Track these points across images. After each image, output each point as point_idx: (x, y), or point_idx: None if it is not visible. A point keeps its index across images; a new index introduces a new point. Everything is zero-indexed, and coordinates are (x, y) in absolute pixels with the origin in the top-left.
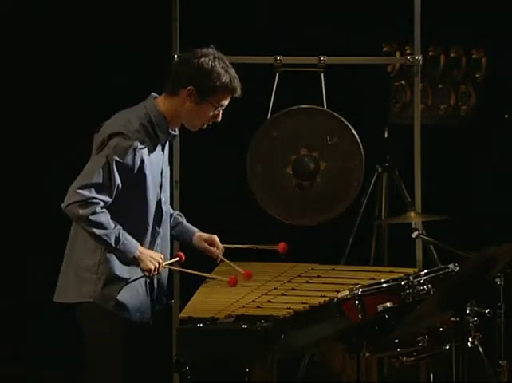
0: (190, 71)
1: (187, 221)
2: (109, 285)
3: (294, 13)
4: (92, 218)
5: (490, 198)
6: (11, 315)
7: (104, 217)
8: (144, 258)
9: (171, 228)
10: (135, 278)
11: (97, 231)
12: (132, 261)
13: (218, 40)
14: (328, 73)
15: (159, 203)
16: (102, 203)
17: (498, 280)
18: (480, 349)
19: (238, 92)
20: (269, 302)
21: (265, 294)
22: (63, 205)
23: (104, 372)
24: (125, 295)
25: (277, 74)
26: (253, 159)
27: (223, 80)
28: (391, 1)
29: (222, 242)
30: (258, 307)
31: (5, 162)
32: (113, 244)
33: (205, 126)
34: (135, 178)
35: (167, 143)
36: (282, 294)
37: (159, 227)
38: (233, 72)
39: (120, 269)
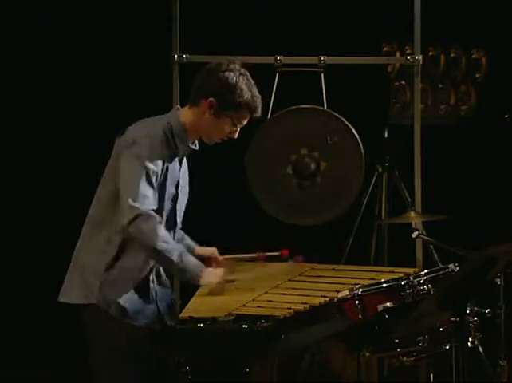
0: (213, 83)
1: (188, 221)
2: (113, 289)
3: (294, 13)
4: (159, 232)
5: (489, 198)
6: (14, 315)
7: (166, 231)
8: (207, 274)
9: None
10: (140, 284)
11: (162, 246)
12: (196, 280)
13: (219, 40)
14: (328, 73)
15: (172, 214)
16: (158, 219)
17: (498, 280)
18: (480, 349)
19: (259, 113)
20: (269, 301)
21: (265, 293)
22: (124, 223)
23: (109, 374)
24: (127, 301)
25: (277, 74)
26: (253, 159)
27: (245, 98)
28: (391, 1)
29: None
30: (258, 307)
31: (9, 162)
32: (175, 259)
33: (220, 141)
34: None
35: (185, 157)
36: (282, 294)
37: (173, 238)
38: (256, 91)
39: (126, 277)
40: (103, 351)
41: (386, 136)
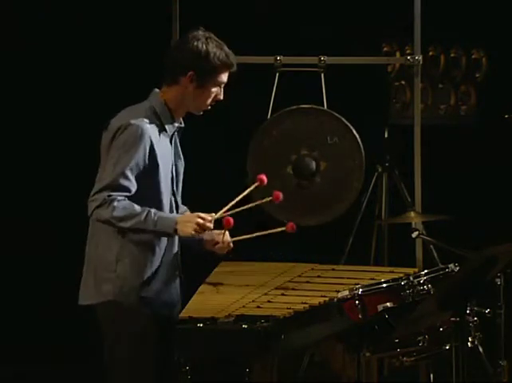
0: (186, 57)
1: None
2: (129, 281)
3: (294, 13)
4: (115, 214)
5: (489, 198)
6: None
7: (128, 206)
8: (180, 226)
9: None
10: (157, 271)
11: (128, 223)
12: (175, 234)
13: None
14: (328, 73)
15: (173, 195)
16: (121, 197)
17: (498, 280)
18: (480, 349)
19: (235, 67)
20: (269, 301)
21: (265, 294)
22: (88, 213)
23: (129, 373)
24: (149, 290)
25: (277, 74)
26: (253, 159)
27: (220, 58)
28: (391, 1)
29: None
30: (258, 307)
31: (8, 162)
32: (151, 227)
33: (209, 107)
34: (148, 167)
35: (175, 136)
36: (282, 294)
37: None
38: (226, 48)
39: (139, 264)
40: (122, 348)
41: (386, 136)
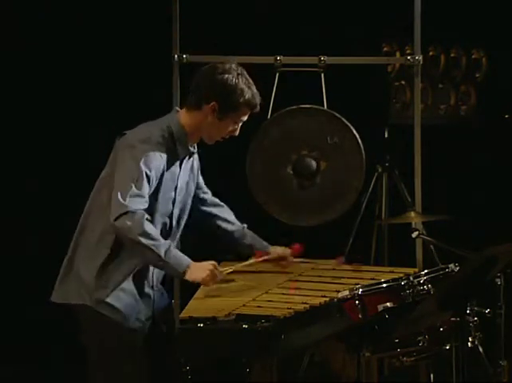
0: (214, 87)
1: (188, 221)
2: (106, 290)
3: (294, 13)
4: (145, 228)
5: (489, 198)
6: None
7: (154, 229)
8: (194, 269)
9: (240, 239)
10: (136, 286)
11: (147, 242)
12: (183, 276)
13: (219, 40)
14: (328, 73)
15: (169, 217)
16: (146, 215)
17: (498, 280)
18: (480, 349)
19: (258, 108)
20: (269, 301)
21: (266, 293)
22: (111, 219)
23: (105, 374)
24: (118, 300)
25: (277, 74)
26: (253, 159)
27: (246, 97)
28: (391, 1)
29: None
30: (259, 307)
31: (8, 163)
32: (163, 255)
33: (222, 140)
34: (156, 186)
35: (185, 160)
36: (282, 294)
37: (172, 240)
38: (254, 88)
39: (120, 276)
40: (99, 352)
41: (386, 136)
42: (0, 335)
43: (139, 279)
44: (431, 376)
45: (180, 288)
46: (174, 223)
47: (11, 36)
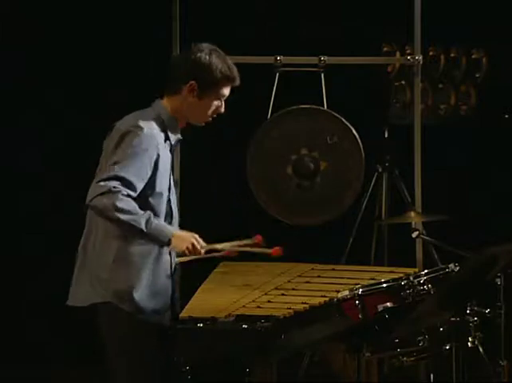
0: (189, 67)
1: (188, 222)
2: (124, 285)
3: (294, 13)
4: (118, 204)
5: (489, 198)
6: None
7: (131, 203)
8: (176, 239)
9: None
10: (152, 277)
11: (126, 217)
12: (168, 245)
13: (219, 40)
14: (328, 73)
15: (168, 203)
16: (125, 193)
17: (498, 280)
18: (480, 349)
19: (238, 81)
20: (269, 302)
21: (265, 294)
22: (87, 200)
23: (123, 375)
24: (142, 295)
25: (277, 74)
26: (253, 159)
27: (223, 71)
28: (391, 1)
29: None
30: (258, 307)
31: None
32: (144, 227)
33: (210, 119)
34: (152, 175)
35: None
36: (282, 294)
37: (171, 225)
38: (229, 62)
39: (137, 268)
40: (119, 347)
41: (386, 136)
42: (0, 335)
43: (157, 270)
44: (431, 376)
45: (180, 288)
46: (173, 208)
47: (11, 35)
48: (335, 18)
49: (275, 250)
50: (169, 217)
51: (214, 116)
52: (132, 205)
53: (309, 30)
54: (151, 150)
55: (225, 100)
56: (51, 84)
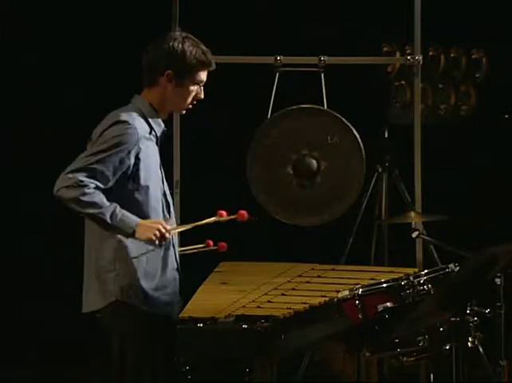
0: (163, 57)
1: (186, 221)
2: (129, 280)
3: (294, 12)
4: (82, 198)
5: (489, 198)
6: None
7: (97, 197)
8: (141, 229)
9: None
10: (156, 269)
11: (91, 211)
12: (133, 236)
13: (219, 40)
14: (328, 73)
15: (163, 196)
16: (93, 185)
17: (498, 280)
18: (480, 349)
19: (213, 65)
20: (269, 302)
21: (265, 294)
22: (54, 190)
23: (139, 373)
24: (149, 287)
25: (277, 74)
26: (253, 159)
27: (197, 56)
28: (391, 1)
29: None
30: (258, 307)
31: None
32: (109, 220)
33: (191, 106)
34: (134, 168)
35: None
36: (282, 294)
37: (169, 215)
38: (203, 47)
39: (137, 260)
40: (131, 348)
41: (386, 136)
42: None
43: (164, 263)
44: (431, 376)
45: (180, 288)
46: (169, 199)
47: (11, 34)
48: (335, 18)
49: (241, 215)
50: (165, 208)
51: (195, 103)
52: (98, 198)
53: (309, 30)
54: (130, 143)
55: (225, 100)
56: (51, 83)
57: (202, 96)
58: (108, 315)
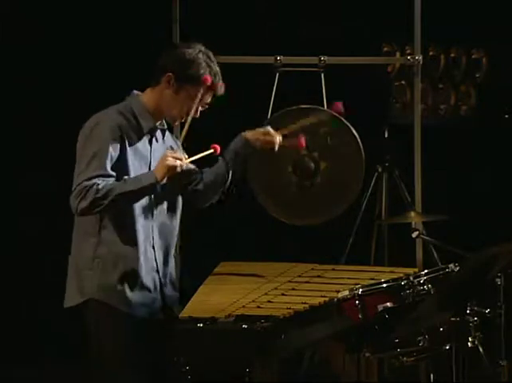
0: (171, 58)
1: (186, 221)
2: (106, 279)
3: (294, 13)
4: (98, 195)
5: (489, 198)
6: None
7: (108, 184)
8: (158, 169)
9: (212, 176)
10: (134, 269)
11: (112, 197)
12: (161, 180)
13: (219, 40)
14: (328, 73)
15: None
16: (99, 180)
17: (498, 280)
18: (480, 349)
19: (220, 91)
20: (269, 302)
21: (265, 294)
22: (75, 212)
23: (110, 372)
24: (127, 289)
25: (277, 74)
26: (253, 159)
27: (202, 72)
28: (391, 1)
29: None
30: (258, 307)
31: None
32: (131, 189)
33: (183, 119)
34: (118, 162)
35: (156, 137)
36: (282, 294)
37: (152, 217)
38: (215, 68)
39: (116, 260)
40: (103, 347)
41: (386, 136)
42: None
43: (142, 264)
44: (431, 376)
45: (180, 288)
46: (154, 200)
47: (10, 33)
48: (335, 18)
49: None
50: (150, 208)
51: (185, 118)
52: (109, 184)
53: (309, 30)
54: (112, 139)
55: (225, 100)
56: (50, 83)
57: (197, 116)
58: (85, 312)
